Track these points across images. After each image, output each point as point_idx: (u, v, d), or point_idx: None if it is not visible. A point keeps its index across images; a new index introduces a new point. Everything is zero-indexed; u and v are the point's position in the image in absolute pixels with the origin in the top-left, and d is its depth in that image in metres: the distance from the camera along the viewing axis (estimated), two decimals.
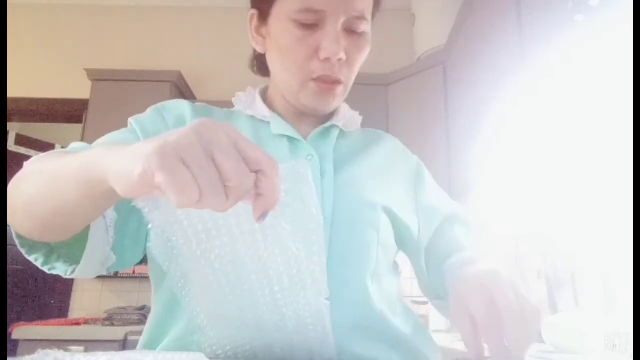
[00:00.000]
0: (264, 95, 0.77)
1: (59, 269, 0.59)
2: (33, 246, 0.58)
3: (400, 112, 2.59)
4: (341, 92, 0.69)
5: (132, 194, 0.39)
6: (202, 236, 0.50)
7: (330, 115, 0.76)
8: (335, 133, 0.73)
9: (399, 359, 0.61)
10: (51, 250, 0.59)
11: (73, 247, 0.58)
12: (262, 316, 0.54)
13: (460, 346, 1.33)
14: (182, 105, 0.71)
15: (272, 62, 0.71)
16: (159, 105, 0.72)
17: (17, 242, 0.57)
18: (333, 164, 0.69)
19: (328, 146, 0.71)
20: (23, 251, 0.58)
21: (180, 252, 0.49)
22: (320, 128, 0.72)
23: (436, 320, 2.24)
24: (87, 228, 0.56)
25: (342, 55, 0.65)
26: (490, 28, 1.78)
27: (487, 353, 0.49)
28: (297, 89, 0.68)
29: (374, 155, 0.74)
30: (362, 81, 2.63)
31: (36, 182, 0.51)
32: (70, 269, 0.58)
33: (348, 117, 0.77)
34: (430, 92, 2.47)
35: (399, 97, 2.64)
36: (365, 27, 0.67)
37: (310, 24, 0.64)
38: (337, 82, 0.67)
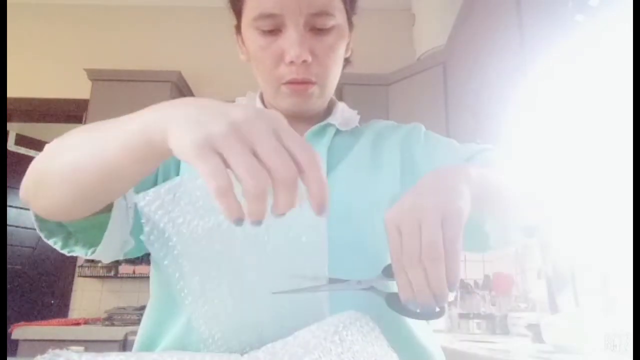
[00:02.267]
0: (263, 99, 0.77)
1: (78, 252, 0.60)
2: (51, 230, 0.58)
3: (400, 112, 2.59)
4: (317, 92, 0.68)
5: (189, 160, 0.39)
6: (199, 232, 0.50)
7: (327, 114, 0.76)
8: (330, 132, 0.73)
9: (397, 348, 0.60)
10: (69, 235, 0.59)
11: (90, 231, 0.58)
12: (261, 315, 0.54)
13: (460, 346, 1.33)
14: None
15: (253, 70, 0.72)
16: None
17: (36, 225, 0.57)
18: (327, 162, 0.68)
19: (323, 145, 0.71)
20: (42, 235, 0.58)
21: (179, 252, 0.49)
22: (314, 127, 0.72)
23: (436, 319, 2.24)
24: (107, 211, 0.56)
25: (306, 57, 0.64)
26: (490, 28, 1.78)
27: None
28: (272, 95, 0.69)
29: (364, 148, 0.74)
30: (362, 81, 2.68)
31: (79, 151, 0.50)
32: (90, 250, 0.59)
33: (346, 116, 0.76)
34: (430, 92, 2.47)
35: (399, 97, 2.64)
36: (332, 21, 0.65)
37: (272, 30, 0.64)
38: (308, 82, 0.67)
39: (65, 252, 0.60)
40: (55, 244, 0.59)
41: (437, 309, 0.46)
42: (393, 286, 0.49)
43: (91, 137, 0.51)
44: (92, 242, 0.59)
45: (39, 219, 0.57)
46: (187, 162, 0.38)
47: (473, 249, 0.70)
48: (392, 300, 0.50)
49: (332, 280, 0.53)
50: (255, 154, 0.36)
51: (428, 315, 0.48)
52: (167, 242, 0.47)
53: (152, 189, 0.44)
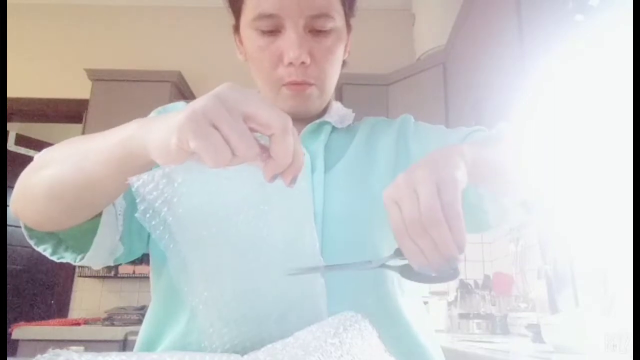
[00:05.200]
0: None
1: (68, 258, 0.60)
2: (41, 238, 0.59)
3: (400, 112, 2.57)
4: (316, 93, 0.68)
5: (172, 163, 0.42)
6: (194, 211, 0.50)
7: (323, 112, 0.76)
8: (327, 130, 0.73)
9: (395, 346, 0.60)
10: (59, 242, 0.60)
11: (80, 238, 0.59)
12: (262, 309, 0.54)
13: (460, 346, 1.33)
14: (182, 107, 0.73)
15: (250, 70, 0.72)
16: (160, 108, 0.74)
17: (25, 233, 0.58)
18: (324, 160, 0.68)
19: (320, 143, 0.71)
20: (32, 242, 0.59)
21: (176, 233, 0.49)
22: (310, 125, 0.72)
23: (436, 319, 2.24)
24: (96, 217, 0.57)
25: (305, 59, 0.64)
26: (490, 28, 1.78)
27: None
28: (272, 96, 0.69)
29: (360, 145, 0.74)
30: (362, 81, 2.68)
31: (61, 164, 0.52)
32: (79, 257, 0.59)
33: (341, 114, 0.77)
34: (430, 92, 2.47)
35: (399, 97, 2.64)
36: (331, 24, 0.66)
37: (271, 31, 0.64)
38: (306, 84, 0.67)
39: (54, 258, 0.60)
40: (45, 250, 0.59)
41: (451, 270, 0.47)
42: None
43: (74, 150, 0.52)
44: (82, 248, 0.59)
45: (28, 227, 0.58)
46: (170, 159, 0.41)
47: (474, 229, 0.70)
48: (407, 271, 0.51)
49: (340, 265, 0.54)
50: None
51: (443, 277, 0.49)
52: (163, 221, 0.47)
53: (147, 172, 0.45)
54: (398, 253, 0.50)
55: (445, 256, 0.44)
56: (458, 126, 0.78)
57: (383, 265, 0.53)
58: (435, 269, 0.46)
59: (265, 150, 0.43)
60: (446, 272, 0.47)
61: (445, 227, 0.43)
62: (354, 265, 0.55)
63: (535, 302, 1.83)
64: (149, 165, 0.45)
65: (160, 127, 0.42)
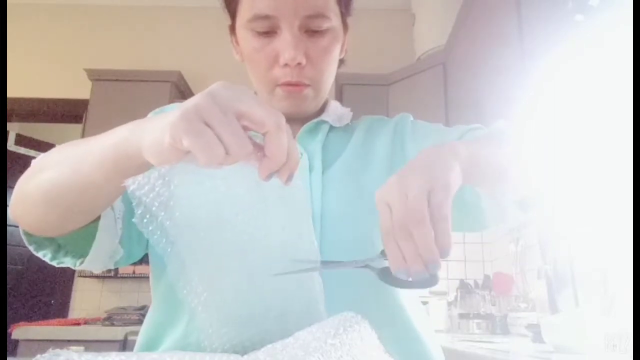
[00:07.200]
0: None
1: (68, 263, 0.60)
2: (40, 243, 0.59)
3: (400, 112, 2.58)
4: (311, 94, 0.68)
5: (166, 163, 0.42)
6: (191, 216, 0.50)
7: (320, 112, 0.76)
8: (324, 129, 0.73)
9: (395, 347, 0.60)
10: (58, 247, 0.60)
11: (80, 243, 0.59)
12: (261, 308, 0.54)
13: (460, 346, 1.33)
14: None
15: (247, 71, 0.72)
16: (158, 110, 0.74)
17: (24, 239, 0.58)
18: (322, 160, 0.68)
19: (317, 143, 0.71)
20: (31, 248, 0.59)
21: (174, 236, 0.48)
22: (307, 125, 0.72)
23: (436, 320, 2.24)
24: (95, 221, 0.57)
25: (301, 59, 0.64)
26: (490, 28, 1.78)
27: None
28: (267, 96, 0.69)
29: (358, 144, 0.73)
30: (362, 81, 2.68)
31: (58, 169, 0.52)
32: (79, 261, 0.59)
33: (339, 113, 0.76)
34: (430, 92, 2.47)
35: (399, 97, 2.64)
36: (327, 23, 0.65)
37: (267, 32, 0.64)
38: (302, 85, 0.67)
39: (54, 263, 0.60)
40: (45, 256, 0.59)
41: (429, 277, 0.45)
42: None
43: (71, 154, 0.52)
44: (82, 252, 0.59)
45: (26, 232, 0.57)
46: (163, 159, 0.41)
47: (471, 228, 0.70)
48: (385, 274, 0.50)
49: (326, 263, 0.54)
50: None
51: (420, 283, 0.47)
52: (160, 226, 0.47)
53: (143, 174, 0.45)
54: (383, 255, 0.49)
55: (426, 260, 0.43)
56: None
57: (367, 266, 0.52)
58: (412, 273, 0.45)
59: (260, 148, 0.42)
60: (423, 278, 0.45)
61: (428, 228, 0.42)
62: (342, 264, 0.54)
63: (535, 302, 1.83)
64: (145, 166, 0.45)
65: (154, 127, 0.42)
